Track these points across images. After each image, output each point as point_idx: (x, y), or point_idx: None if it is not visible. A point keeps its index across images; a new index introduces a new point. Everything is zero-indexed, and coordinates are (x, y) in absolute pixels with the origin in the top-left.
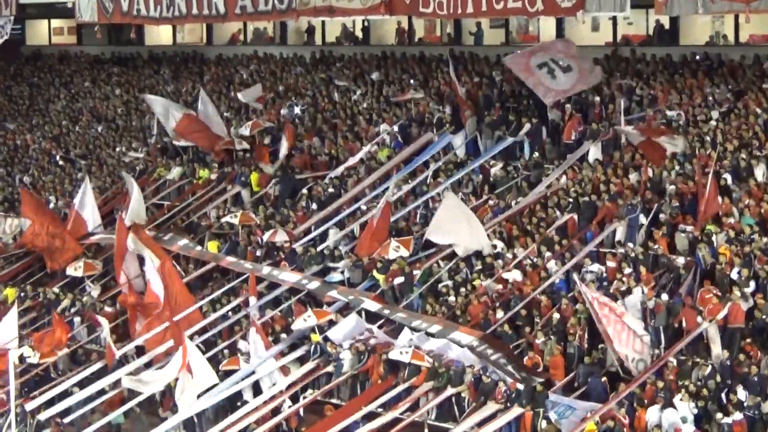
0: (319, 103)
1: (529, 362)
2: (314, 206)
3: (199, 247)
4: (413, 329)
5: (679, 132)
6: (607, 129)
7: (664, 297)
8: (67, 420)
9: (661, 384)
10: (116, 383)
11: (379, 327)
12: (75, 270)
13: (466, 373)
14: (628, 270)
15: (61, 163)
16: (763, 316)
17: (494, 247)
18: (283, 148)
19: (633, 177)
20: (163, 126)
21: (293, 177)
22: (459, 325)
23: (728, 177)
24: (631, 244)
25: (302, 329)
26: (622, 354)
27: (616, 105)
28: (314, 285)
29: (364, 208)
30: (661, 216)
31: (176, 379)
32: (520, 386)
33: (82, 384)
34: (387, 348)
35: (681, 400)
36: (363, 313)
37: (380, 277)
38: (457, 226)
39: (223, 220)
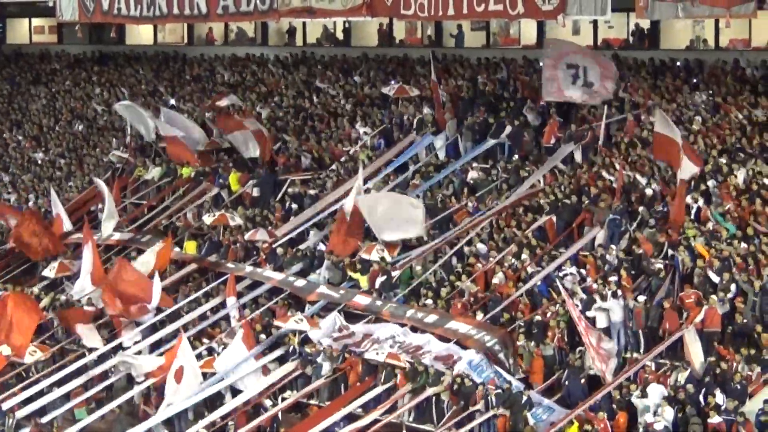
0: (300, 103)
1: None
2: (295, 207)
3: (177, 249)
4: (401, 324)
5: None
6: (586, 132)
7: (641, 299)
8: (44, 420)
9: (633, 387)
10: (92, 382)
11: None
12: (50, 270)
13: (444, 375)
14: (613, 278)
15: (40, 162)
16: (744, 320)
17: (476, 247)
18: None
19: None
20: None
21: (274, 177)
22: (454, 314)
23: (710, 182)
24: (614, 246)
25: (291, 330)
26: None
27: (598, 109)
28: (300, 283)
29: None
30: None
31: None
32: (503, 376)
33: (60, 383)
34: (363, 342)
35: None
36: (342, 314)
37: (361, 279)
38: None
39: (202, 219)
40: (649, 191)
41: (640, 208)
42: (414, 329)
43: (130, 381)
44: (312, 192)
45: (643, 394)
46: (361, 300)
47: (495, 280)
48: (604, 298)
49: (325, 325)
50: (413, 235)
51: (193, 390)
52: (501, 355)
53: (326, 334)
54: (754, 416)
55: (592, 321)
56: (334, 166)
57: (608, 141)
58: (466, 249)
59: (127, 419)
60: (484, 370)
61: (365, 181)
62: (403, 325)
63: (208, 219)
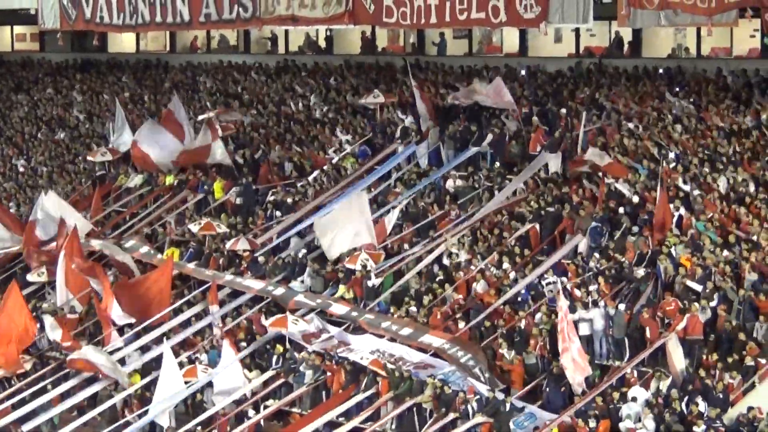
0: (282, 111)
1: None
2: (278, 214)
3: (159, 255)
4: (378, 335)
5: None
6: (567, 140)
7: (621, 307)
8: (26, 427)
9: (617, 395)
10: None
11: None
12: (36, 276)
13: (427, 384)
14: (593, 287)
15: (22, 169)
16: (731, 327)
17: (457, 255)
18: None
19: (594, 188)
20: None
21: (255, 187)
22: (429, 327)
23: (688, 189)
24: (596, 254)
25: (293, 333)
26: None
27: (580, 118)
28: (280, 291)
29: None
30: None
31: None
32: (480, 390)
33: (43, 391)
34: (343, 347)
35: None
36: (323, 322)
37: (342, 288)
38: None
39: (187, 226)
40: (635, 198)
41: (622, 216)
42: (393, 340)
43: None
44: (290, 200)
45: (628, 399)
46: (339, 309)
47: (477, 288)
48: (585, 306)
49: (305, 325)
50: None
51: (177, 394)
52: (476, 370)
53: (303, 332)
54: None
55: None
56: (315, 174)
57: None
58: (446, 257)
59: (107, 426)
60: (460, 379)
61: (348, 189)
62: (380, 336)
63: (194, 228)
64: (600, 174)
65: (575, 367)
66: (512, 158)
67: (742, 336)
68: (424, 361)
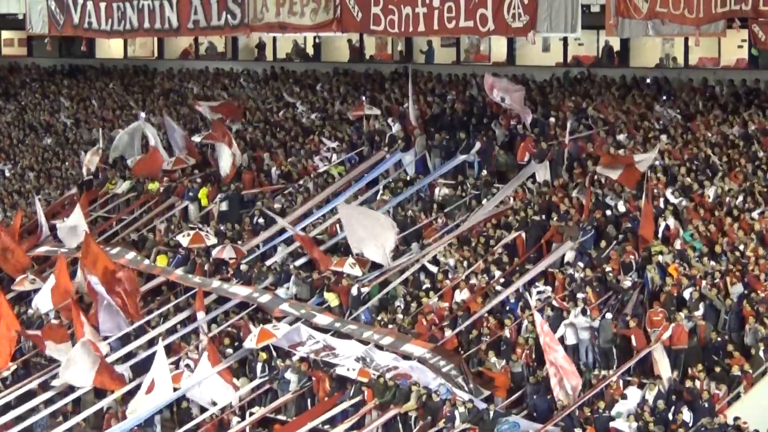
0: (270, 119)
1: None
2: (262, 221)
3: (147, 261)
4: (363, 342)
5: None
6: (554, 149)
7: (608, 316)
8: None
9: (602, 404)
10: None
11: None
12: (31, 283)
13: (412, 392)
14: (580, 295)
15: (8, 174)
16: (718, 338)
17: (445, 264)
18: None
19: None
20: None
21: (241, 194)
22: (411, 336)
23: (674, 199)
24: (581, 264)
25: (282, 340)
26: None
27: (567, 126)
28: (265, 298)
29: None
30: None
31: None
32: (463, 398)
33: (27, 396)
34: (323, 352)
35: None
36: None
37: (330, 296)
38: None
39: (175, 237)
40: (622, 208)
41: (608, 225)
42: (379, 347)
43: (97, 395)
44: (277, 206)
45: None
46: (322, 320)
47: (461, 297)
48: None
49: (290, 330)
50: (378, 260)
51: (163, 400)
52: (459, 380)
53: (291, 340)
54: None
55: (560, 338)
56: (301, 181)
57: (576, 157)
58: (433, 266)
59: None
60: (445, 393)
61: (335, 196)
62: (366, 344)
63: (183, 240)
64: (586, 183)
65: (565, 373)
66: (499, 167)
67: (729, 347)
68: (409, 371)
